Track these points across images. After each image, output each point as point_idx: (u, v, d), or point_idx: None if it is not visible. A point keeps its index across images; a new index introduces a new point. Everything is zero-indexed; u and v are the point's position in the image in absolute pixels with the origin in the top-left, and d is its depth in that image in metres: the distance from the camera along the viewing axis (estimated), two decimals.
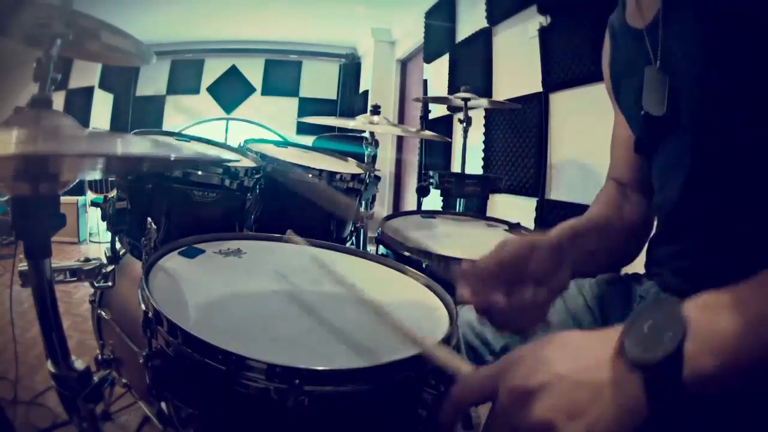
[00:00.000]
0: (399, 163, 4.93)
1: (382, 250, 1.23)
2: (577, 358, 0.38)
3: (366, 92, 5.45)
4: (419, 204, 2.12)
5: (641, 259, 0.77)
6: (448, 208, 2.56)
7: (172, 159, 0.62)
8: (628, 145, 0.74)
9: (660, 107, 0.61)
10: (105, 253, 1.20)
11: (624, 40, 0.71)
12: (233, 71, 6.02)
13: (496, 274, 0.57)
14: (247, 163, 1.25)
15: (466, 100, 2.00)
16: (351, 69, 5.97)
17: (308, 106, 5.93)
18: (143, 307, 0.63)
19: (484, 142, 2.84)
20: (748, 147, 0.53)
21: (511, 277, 0.57)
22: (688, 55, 0.57)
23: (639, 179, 0.77)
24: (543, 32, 2.31)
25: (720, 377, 0.35)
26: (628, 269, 0.81)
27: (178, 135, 1.47)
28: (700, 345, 0.35)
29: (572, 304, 0.79)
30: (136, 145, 0.68)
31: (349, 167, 1.58)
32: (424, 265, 1.08)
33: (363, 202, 1.56)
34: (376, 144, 1.72)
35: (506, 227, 1.48)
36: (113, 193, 1.16)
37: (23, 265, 0.74)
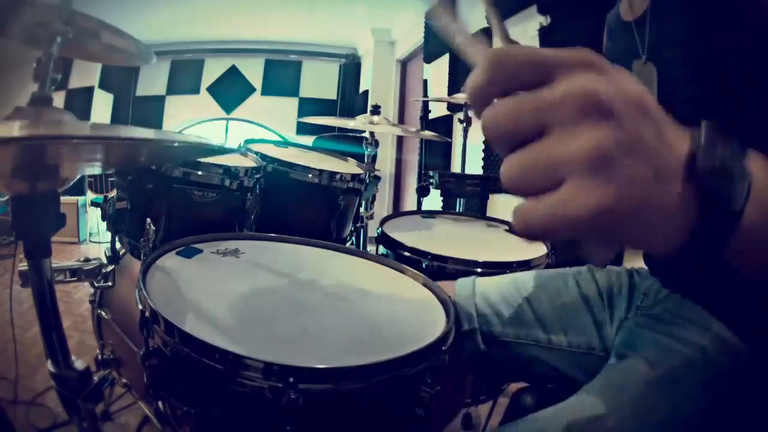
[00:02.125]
0: (399, 163, 4.93)
1: (382, 250, 1.23)
2: (660, 132, 0.29)
3: (366, 92, 5.45)
4: (419, 204, 2.12)
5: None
6: (448, 208, 2.56)
7: (175, 145, 0.61)
8: None
9: None
10: (105, 253, 1.20)
11: (617, 33, 0.72)
12: (233, 71, 6.02)
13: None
14: (247, 163, 1.25)
15: (465, 103, 2.00)
16: (351, 69, 5.97)
17: (308, 106, 5.93)
18: (140, 306, 0.63)
19: (484, 142, 2.84)
20: (743, 138, 0.53)
21: None
22: (675, 48, 0.58)
23: None
24: (543, 32, 2.31)
25: (762, 243, 0.31)
26: (633, 264, 0.82)
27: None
28: (754, 203, 0.30)
29: (586, 288, 0.80)
30: (137, 132, 0.67)
31: (349, 167, 1.58)
32: (423, 265, 1.09)
33: (363, 202, 1.56)
34: (376, 144, 1.72)
35: (506, 227, 1.48)
36: (113, 193, 1.16)
37: (23, 265, 0.74)
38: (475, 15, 3.30)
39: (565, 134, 0.28)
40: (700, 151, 0.30)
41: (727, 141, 0.30)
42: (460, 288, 0.87)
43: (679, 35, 0.57)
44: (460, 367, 0.83)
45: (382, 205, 4.74)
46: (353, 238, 1.58)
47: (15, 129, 0.59)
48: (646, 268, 0.77)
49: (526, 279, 0.86)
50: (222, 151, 1.01)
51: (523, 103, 0.29)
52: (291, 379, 0.51)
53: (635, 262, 0.82)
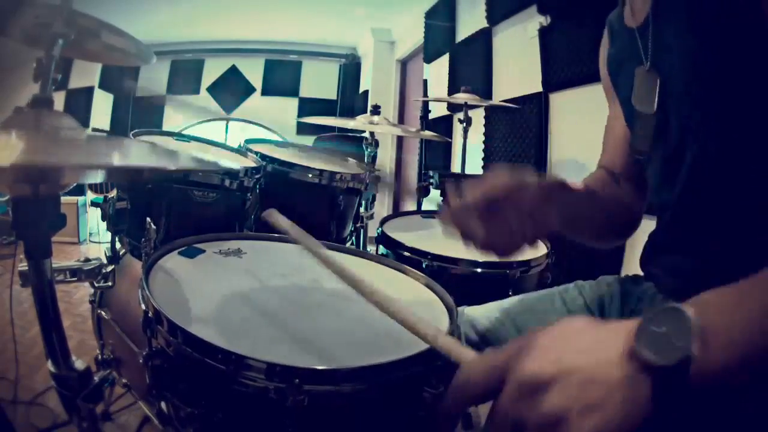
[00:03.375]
0: (399, 163, 4.92)
1: (382, 250, 1.23)
2: (589, 351, 0.38)
3: (366, 92, 5.45)
4: (419, 204, 2.12)
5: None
6: None
7: (171, 169, 0.62)
8: (622, 137, 0.76)
9: (650, 106, 0.62)
10: (105, 253, 1.20)
11: (621, 38, 0.72)
12: (233, 71, 6.02)
13: (484, 208, 0.59)
14: (247, 163, 1.25)
15: (465, 104, 2.00)
16: (351, 69, 5.97)
17: (308, 106, 5.93)
18: (143, 306, 0.63)
19: (484, 142, 2.84)
20: (744, 146, 0.53)
21: (497, 210, 0.59)
22: (677, 55, 0.58)
23: (630, 171, 0.78)
24: (543, 32, 2.31)
25: (727, 373, 0.36)
26: (627, 271, 0.82)
27: (178, 135, 1.47)
28: (707, 346, 0.35)
29: (572, 305, 0.79)
30: (135, 153, 0.67)
31: (349, 167, 1.58)
32: (424, 265, 1.09)
33: (363, 202, 1.56)
34: (376, 144, 1.72)
35: None
36: (113, 193, 1.16)
37: (23, 265, 0.74)
38: (474, 15, 3.30)
39: (532, 414, 0.36)
40: (636, 344, 0.36)
41: (664, 322, 0.37)
42: None
43: (680, 42, 0.57)
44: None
45: (382, 205, 4.73)
46: (353, 238, 1.58)
47: (12, 144, 0.59)
48: (641, 274, 0.77)
49: (512, 303, 0.85)
50: (221, 170, 1.02)
51: (503, 410, 0.38)
52: (296, 380, 0.51)
53: (634, 263, 0.82)
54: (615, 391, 0.36)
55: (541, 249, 1.26)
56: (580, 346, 0.39)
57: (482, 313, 0.85)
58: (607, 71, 0.80)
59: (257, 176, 1.21)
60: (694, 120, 0.58)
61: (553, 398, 0.36)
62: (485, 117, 2.81)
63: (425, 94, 3.51)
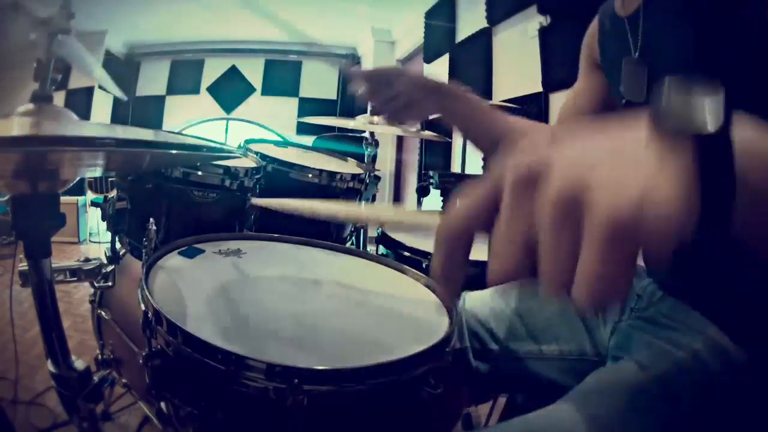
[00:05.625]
0: (399, 163, 4.93)
1: (382, 250, 1.23)
2: (598, 140, 0.27)
3: None
4: (419, 204, 2.12)
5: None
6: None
7: (173, 146, 0.61)
8: (572, 107, 0.86)
9: (640, 95, 0.63)
10: (105, 253, 1.20)
11: (612, 27, 0.72)
12: (233, 71, 6.02)
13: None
14: (247, 163, 1.25)
15: None
16: None
17: (308, 106, 5.93)
18: (143, 306, 0.63)
19: None
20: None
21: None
22: (667, 46, 0.58)
23: None
24: (543, 32, 2.31)
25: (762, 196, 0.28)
26: None
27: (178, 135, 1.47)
28: (748, 156, 0.27)
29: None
30: (138, 132, 0.67)
31: (349, 167, 1.58)
32: (424, 265, 1.09)
33: (363, 202, 1.56)
34: (376, 144, 1.72)
35: None
36: (113, 193, 1.16)
37: (23, 265, 0.74)
38: (474, 15, 3.30)
39: (542, 203, 0.26)
40: (656, 109, 0.25)
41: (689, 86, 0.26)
42: None
43: (671, 34, 0.57)
44: (459, 370, 0.83)
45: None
46: (353, 238, 1.58)
47: (15, 127, 0.59)
48: (641, 269, 0.77)
49: (513, 290, 0.85)
50: (224, 151, 1.01)
51: (503, 230, 0.29)
52: (296, 381, 0.51)
53: None
54: (649, 162, 0.25)
55: None
56: (583, 140, 0.28)
57: (483, 300, 0.85)
58: (588, 52, 0.83)
59: (257, 176, 1.21)
60: None
61: (563, 170, 0.26)
62: None
63: None
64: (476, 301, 0.85)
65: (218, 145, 0.83)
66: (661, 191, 0.24)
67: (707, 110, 0.25)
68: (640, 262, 0.78)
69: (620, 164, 0.25)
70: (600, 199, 0.24)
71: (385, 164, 4.82)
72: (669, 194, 0.24)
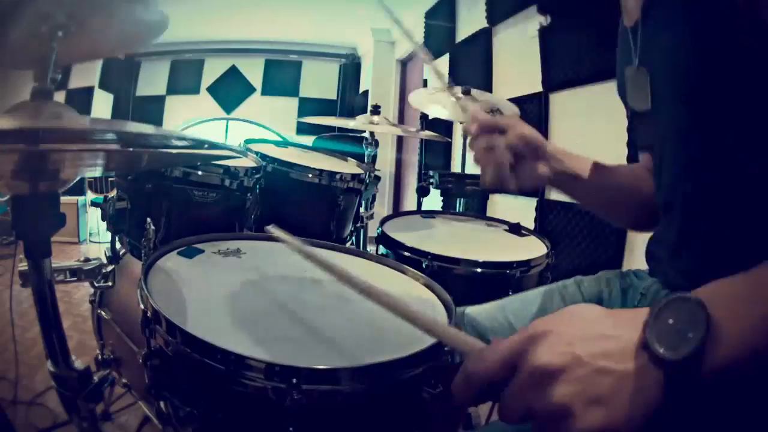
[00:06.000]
0: (399, 163, 4.93)
1: (382, 250, 1.23)
2: (600, 341, 0.38)
3: (366, 92, 5.45)
4: (419, 204, 2.12)
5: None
6: (448, 208, 2.56)
7: (174, 138, 0.61)
8: None
9: (645, 102, 0.63)
10: (105, 253, 1.20)
11: (620, 38, 0.73)
12: (233, 71, 6.02)
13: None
14: (247, 163, 1.25)
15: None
16: (351, 69, 5.97)
17: (308, 106, 5.93)
18: (142, 306, 0.63)
19: None
20: (734, 141, 0.54)
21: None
22: (666, 54, 0.59)
23: None
24: (543, 32, 2.31)
25: (738, 367, 0.36)
26: (632, 266, 0.82)
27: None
28: (719, 340, 0.35)
29: (571, 302, 0.79)
30: (140, 127, 0.67)
31: (349, 167, 1.58)
32: (423, 265, 1.09)
33: (363, 202, 1.56)
34: (376, 144, 1.72)
35: (506, 227, 1.48)
36: (113, 193, 1.16)
37: (23, 265, 0.74)
38: (474, 15, 3.30)
39: (541, 405, 0.36)
40: (647, 336, 0.36)
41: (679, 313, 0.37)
42: None
43: (669, 41, 0.58)
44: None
45: (382, 205, 4.73)
46: (353, 238, 1.58)
47: (15, 122, 0.59)
48: (645, 268, 0.77)
49: (512, 302, 0.86)
50: (225, 147, 1.00)
51: (514, 399, 0.38)
52: (294, 380, 0.51)
53: (634, 263, 0.82)
54: (624, 383, 0.36)
55: (541, 249, 1.26)
56: (590, 335, 0.38)
57: (482, 313, 0.85)
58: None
59: (257, 176, 1.21)
60: (682, 116, 0.58)
61: (561, 389, 0.36)
62: None
63: None
64: (475, 313, 0.85)
65: (220, 143, 0.83)
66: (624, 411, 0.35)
67: (693, 342, 0.35)
68: (644, 263, 0.77)
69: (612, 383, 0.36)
70: (575, 423, 0.35)
71: (385, 164, 4.82)
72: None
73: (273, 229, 0.60)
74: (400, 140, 4.82)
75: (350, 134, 2.77)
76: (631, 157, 1.62)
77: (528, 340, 0.39)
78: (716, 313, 0.36)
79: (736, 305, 0.37)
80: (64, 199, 0.68)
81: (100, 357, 1.21)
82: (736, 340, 0.36)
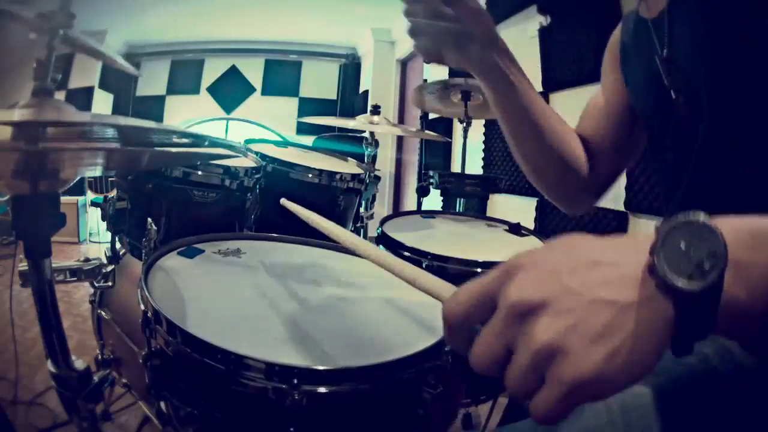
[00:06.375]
0: (399, 163, 4.93)
1: (381, 249, 1.23)
2: (595, 269, 0.31)
3: (366, 92, 5.45)
4: (419, 204, 2.12)
5: None
6: (448, 208, 2.56)
7: (175, 135, 0.61)
8: (606, 113, 0.82)
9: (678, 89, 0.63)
10: (105, 253, 1.20)
11: (635, 27, 0.73)
12: (233, 71, 6.02)
13: None
14: (247, 163, 1.25)
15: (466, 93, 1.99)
16: (351, 69, 5.97)
17: (308, 106, 5.93)
18: (142, 306, 0.63)
19: (484, 142, 2.84)
20: (757, 134, 0.54)
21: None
22: (692, 47, 0.59)
23: (602, 147, 0.81)
24: (543, 32, 2.31)
25: (751, 312, 0.31)
26: None
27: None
28: (737, 278, 0.30)
29: None
30: (139, 122, 0.67)
31: (349, 167, 1.58)
32: (423, 265, 1.09)
33: (363, 202, 1.56)
34: (376, 144, 1.72)
35: (506, 227, 1.48)
36: (113, 193, 1.16)
37: (23, 265, 0.74)
38: None
39: (522, 344, 0.31)
40: (656, 262, 0.30)
41: (692, 231, 0.30)
42: None
43: (695, 34, 0.58)
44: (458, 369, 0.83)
45: (382, 205, 4.74)
46: None
47: (15, 115, 0.59)
48: None
49: None
50: (225, 143, 1.00)
51: (487, 340, 0.33)
52: (295, 381, 0.51)
53: None
54: (627, 314, 0.30)
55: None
56: (580, 262, 0.32)
57: None
58: (612, 56, 0.84)
59: (257, 176, 1.21)
60: (711, 112, 0.58)
61: (545, 324, 0.30)
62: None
63: None
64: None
65: (221, 140, 0.83)
66: (633, 356, 0.29)
67: (711, 273, 0.29)
68: None
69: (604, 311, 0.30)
70: (568, 365, 0.29)
71: (385, 164, 4.82)
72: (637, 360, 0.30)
73: (287, 203, 0.60)
74: (400, 140, 4.82)
75: (350, 134, 2.77)
76: None
77: (504, 275, 0.33)
78: (734, 245, 0.30)
79: (757, 241, 0.31)
80: (64, 199, 0.68)
81: (100, 357, 1.21)
82: (757, 279, 0.30)
